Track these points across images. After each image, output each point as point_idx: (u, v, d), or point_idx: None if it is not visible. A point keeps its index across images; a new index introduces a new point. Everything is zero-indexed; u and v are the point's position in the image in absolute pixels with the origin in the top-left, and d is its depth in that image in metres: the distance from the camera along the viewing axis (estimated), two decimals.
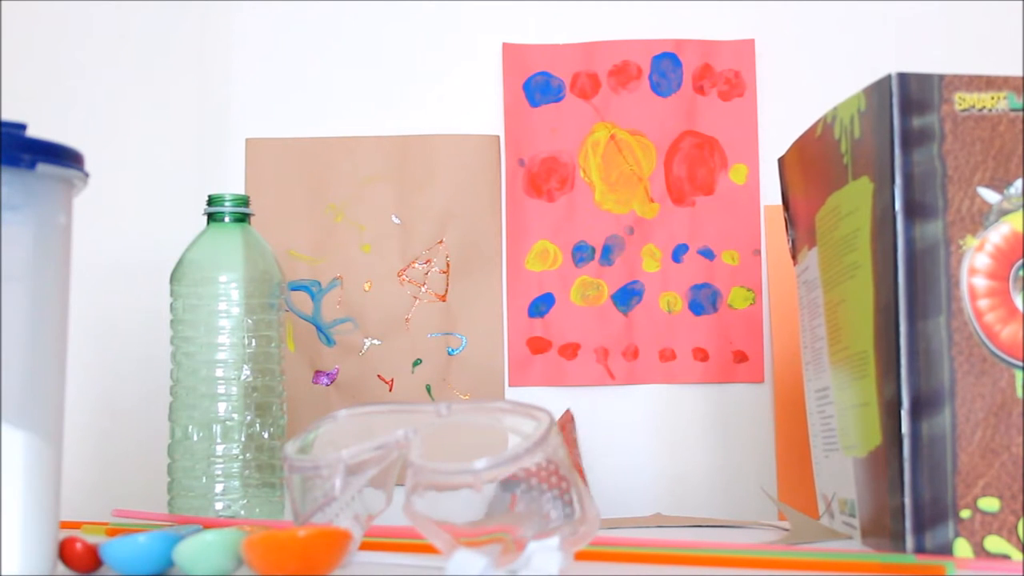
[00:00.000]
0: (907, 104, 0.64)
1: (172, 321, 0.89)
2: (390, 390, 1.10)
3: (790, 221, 0.84)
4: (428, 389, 1.11)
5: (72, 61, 1.14)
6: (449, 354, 1.10)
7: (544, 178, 1.13)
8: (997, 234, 0.63)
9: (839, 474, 0.75)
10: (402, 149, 1.13)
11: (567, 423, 1.01)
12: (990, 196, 0.64)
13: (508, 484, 0.55)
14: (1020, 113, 0.64)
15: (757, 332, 1.11)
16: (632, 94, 1.13)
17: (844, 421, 0.72)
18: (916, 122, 0.64)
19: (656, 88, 1.13)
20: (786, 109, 1.12)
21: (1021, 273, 0.63)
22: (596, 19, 1.14)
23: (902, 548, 0.62)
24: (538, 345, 1.11)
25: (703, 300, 1.12)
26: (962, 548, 0.62)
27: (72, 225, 0.55)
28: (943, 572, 0.54)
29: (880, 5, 1.14)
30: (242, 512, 0.86)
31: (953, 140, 0.64)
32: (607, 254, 1.12)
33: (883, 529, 0.66)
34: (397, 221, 1.12)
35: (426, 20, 1.14)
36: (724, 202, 1.12)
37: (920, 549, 0.62)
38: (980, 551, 0.62)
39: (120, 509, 0.88)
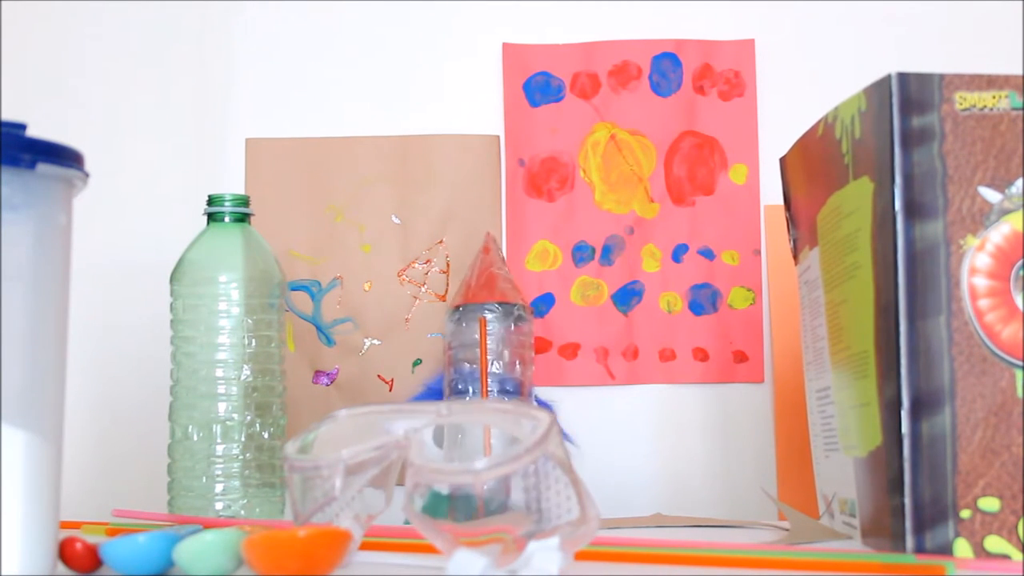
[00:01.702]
0: (907, 104, 0.64)
1: (172, 321, 0.89)
2: (390, 390, 1.10)
3: (792, 221, 0.84)
4: None
5: (72, 61, 1.14)
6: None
7: (544, 178, 1.13)
8: (998, 234, 0.63)
9: (839, 474, 0.75)
10: (402, 149, 1.13)
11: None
12: (991, 196, 0.63)
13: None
14: (1021, 112, 0.64)
15: (757, 332, 1.11)
16: (632, 94, 1.13)
17: (845, 421, 0.72)
18: (916, 122, 0.64)
19: (656, 88, 1.13)
20: (786, 109, 1.12)
21: (1022, 273, 0.63)
22: (596, 19, 1.14)
23: (902, 548, 0.62)
24: (538, 345, 1.11)
25: (703, 300, 1.12)
26: (962, 548, 0.62)
27: (72, 225, 0.55)
28: (943, 572, 0.54)
29: (880, 5, 1.14)
30: (242, 512, 0.86)
31: (953, 140, 0.64)
32: (607, 254, 1.12)
33: (883, 529, 0.66)
34: (397, 221, 1.12)
35: (426, 20, 1.14)
36: (724, 202, 1.12)
37: (920, 549, 0.62)
38: (980, 551, 0.62)
39: (120, 509, 0.88)
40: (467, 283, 0.98)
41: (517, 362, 0.95)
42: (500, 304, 0.95)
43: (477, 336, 0.94)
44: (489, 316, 0.95)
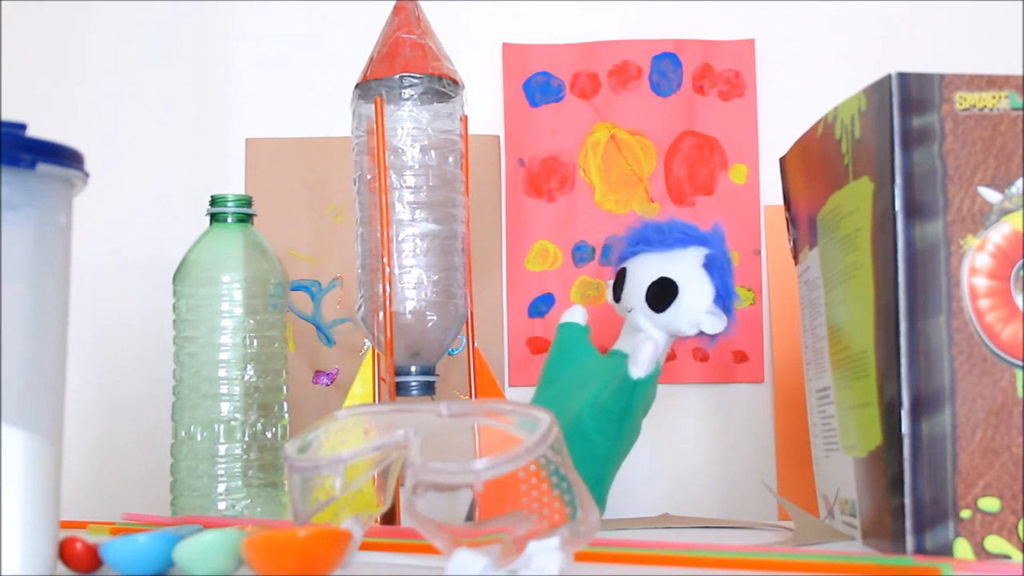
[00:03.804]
0: (907, 104, 0.64)
1: (175, 321, 0.89)
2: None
3: (792, 221, 0.84)
4: None
5: (73, 61, 1.14)
6: (449, 354, 1.10)
7: (544, 178, 1.13)
8: (998, 234, 0.63)
9: (840, 474, 0.75)
10: None
11: None
12: (991, 196, 0.63)
13: None
14: (1021, 112, 0.64)
15: (757, 332, 1.11)
16: (632, 94, 1.13)
17: (845, 421, 0.72)
18: (916, 122, 0.64)
19: (656, 88, 1.13)
20: (786, 109, 1.12)
21: (1022, 273, 0.63)
22: (596, 19, 1.14)
23: (902, 549, 0.62)
24: (538, 345, 1.11)
25: None
26: (962, 548, 0.62)
27: (72, 225, 0.55)
28: (939, 574, 0.54)
29: (880, 5, 1.14)
30: (245, 512, 0.86)
31: (953, 140, 0.64)
32: (607, 254, 1.12)
33: (884, 529, 0.66)
34: None
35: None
36: (724, 202, 1.12)
37: (920, 550, 0.62)
38: (980, 551, 0.62)
39: (130, 513, 0.88)
40: (369, 59, 0.79)
41: (433, 152, 0.78)
42: (404, 77, 0.77)
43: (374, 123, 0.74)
44: (389, 95, 0.77)
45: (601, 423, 0.82)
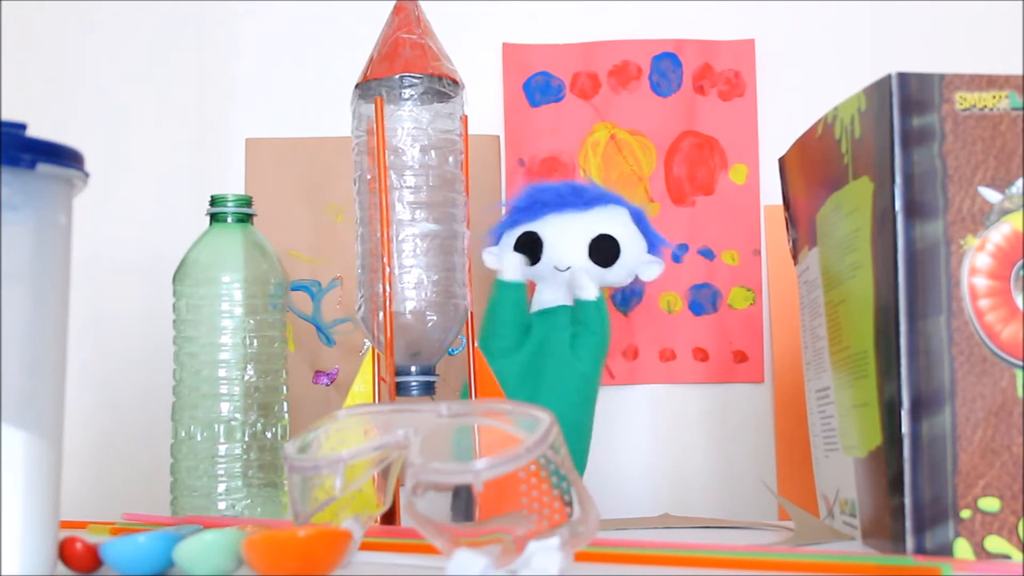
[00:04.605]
0: (907, 104, 0.64)
1: (175, 321, 0.89)
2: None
3: (791, 221, 0.84)
4: None
5: (73, 61, 1.14)
6: (449, 354, 1.10)
7: (544, 178, 1.13)
8: (998, 234, 0.63)
9: (840, 474, 0.75)
10: None
11: None
12: (991, 196, 0.63)
13: None
14: (1021, 112, 0.64)
15: (757, 332, 1.11)
16: (632, 94, 1.13)
17: (844, 421, 0.72)
18: (916, 122, 0.64)
19: (656, 88, 1.13)
20: (786, 109, 1.12)
21: (1022, 273, 0.63)
22: (596, 19, 1.14)
23: (902, 549, 0.62)
24: None
25: (703, 300, 1.12)
26: (962, 548, 0.62)
27: (72, 225, 0.55)
28: (939, 573, 0.54)
29: (880, 5, 1.14)
30: (245, 512, 0.86)
31: (954, 140, 0.64)
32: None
33: (884, 529, 0.66)
34: None
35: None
36: (724, 202, 1.12)
37: (920, 550, 0.62)
38: (980, 551, 0.62)
39: (130, 513, 0.88)
40: (369, 59, 0.79)
41: (433, 152, 0.78)
42: (404, 77, 0.76)
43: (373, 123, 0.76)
44: (389, 95, 0.77)
45: (587, 350, 0.93)
